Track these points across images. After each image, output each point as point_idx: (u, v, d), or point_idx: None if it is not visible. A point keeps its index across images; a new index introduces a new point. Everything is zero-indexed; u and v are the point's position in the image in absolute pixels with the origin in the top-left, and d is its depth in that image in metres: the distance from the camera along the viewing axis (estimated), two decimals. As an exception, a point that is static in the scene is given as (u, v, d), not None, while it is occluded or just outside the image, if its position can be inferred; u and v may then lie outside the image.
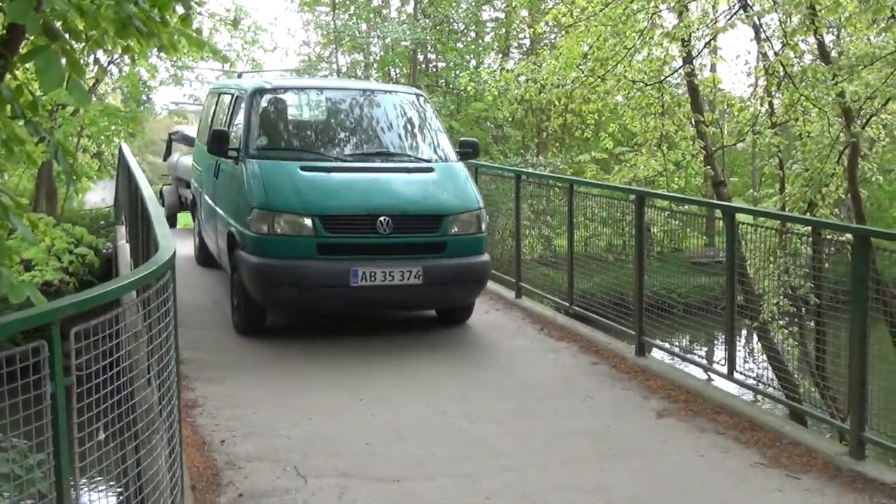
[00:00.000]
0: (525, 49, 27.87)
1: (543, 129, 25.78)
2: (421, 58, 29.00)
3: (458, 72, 26.21)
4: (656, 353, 7.57)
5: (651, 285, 7.49)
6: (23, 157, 4.49)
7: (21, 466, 3.03)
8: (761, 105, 13.22)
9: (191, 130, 15.82)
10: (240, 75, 25.70)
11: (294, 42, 41.09)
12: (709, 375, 7.46)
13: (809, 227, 8.29)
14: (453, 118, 24.64)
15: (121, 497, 3.31)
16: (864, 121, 11.21)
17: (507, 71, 16.99)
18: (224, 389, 6.33)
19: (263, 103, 8.27)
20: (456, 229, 7.57)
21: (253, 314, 7.62)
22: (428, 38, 26.10)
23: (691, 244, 8.27)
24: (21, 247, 10.71)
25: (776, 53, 12.44)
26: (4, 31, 4.27)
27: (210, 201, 9.03)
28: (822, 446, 5.41)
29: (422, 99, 9.08)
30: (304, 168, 7.57)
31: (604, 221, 9.04)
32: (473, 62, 28.10)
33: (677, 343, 7.99)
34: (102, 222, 17.76)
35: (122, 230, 13.22)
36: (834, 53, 12.69)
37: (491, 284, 9.03)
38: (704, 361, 7.59)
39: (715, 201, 11.20)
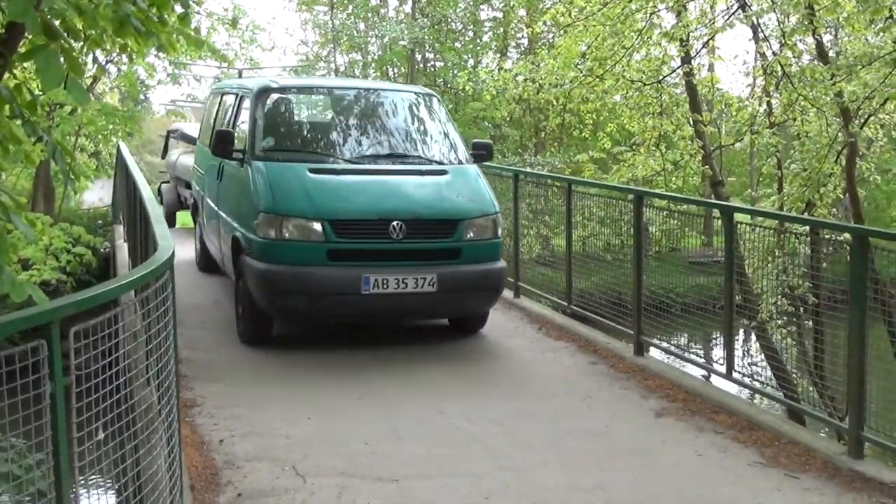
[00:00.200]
0: (523, 49, 27.89)
1: (541, 129, 25.81)
2: (419, 57, 29.02)
3: (455, 71, 26.25)
4: (655, 353, 7.58)
5: (649, 285, 7.49)
6: (20, 156, 4.48)
7: (20, 466, 3.02)
8: (759, 105, 13.23)
9: (190, 128, 15.77)
10: (240, 73, 25.72)
11: (292, 41, 41.05)
12: (707, 375, 7.47)
13: (808, 227, 8.30)
14: (451, 118, 24.68)
15: (120, 496, 3.31)
16: (863, 121, 11.22)
17: (506, 70, 16.97)
18: (223, 389, 6.33)
19: (269, 103, 8.00)
20: (471, 234, 7.26)
21: (259, 323, 7.31)
22: (426, 37, 26.10)
23: (689, 244, 8.27)
24: (19, 246, 10.70)
25: (774, 53, 12.45)
26: (3, 31, 4.26)
27: (213, 205, 8.75)
28: (821, 446, 5.42)
29: (433, 99, 8.76)
30: (312, 170, 7.27)
31: (602, 221, 9.04)
32: (471, 62, 28.12)
33: (676, 343, 7.99)
34: (100, 222, 17.76)
35: (119, 229, 13.20)
36: (831, 53, 12.70)
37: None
38: (703, 361, 7.58)
39: (714, 201, 11.21)
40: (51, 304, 2.91)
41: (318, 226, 6.88)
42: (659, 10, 12.82)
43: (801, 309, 10.08)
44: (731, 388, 6.82)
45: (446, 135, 8.30)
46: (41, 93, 11.08)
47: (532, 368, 7.09)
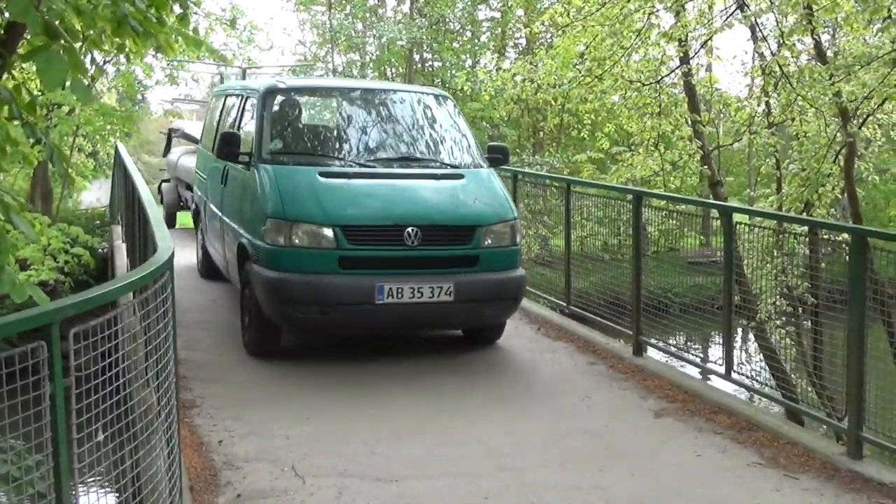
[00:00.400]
0: (521, 48, 27.90)
1: (539, 129, 25.83)
2: (417, 57, 29.02)
3: (453, 71, 26.25)
4: (654, 353, 7.58)
5: (647, 285, 7.50)
6: (18, 157, 4.48)
7: (19, 468, 3.02)
8: (758, 105, 13.24)
9: (192, 127, 15.70)
10: (244, 73, 25.68)
11: (290, 41, 41.02)
12: (705, 375, 7.48)
13: (806, 227, 8.31)
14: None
15: (119, 498, 3.31)
16: (861, 121, 11.23)
17: (504, 71, 16.98)
18: (222, 389, 6.32)
19: (277, 104, 7.71)
20: (489, 241, 6.97)
21: (266, 333, 7.01)
22: (424, 37, 26.11)
23: (687, 244, 8.27)
24: (19, 246, 10.68)
25: (773, 53, 12.46)
26: (2, 31, 4.26)
27: (217, 210, 8.44)
28: (820, 446, 5.42)
29: (447, 100, 8.45)
30: (322, 174, 6.97)
31: (600, 221, 9.05)
32: (469, 62, 28.13)
33: (675, 343, 7.99)
34: (98, 222, 17.74)
35: (118, 230, 13.18)
36: (829, 53, 12.71)
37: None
38: (702, 361, 7.59)
39: (713, 201, 11.22)
40: (51, 306, 2.91)
41: (329, 232, 6.59)
42: (657, 11, 12.82)
43: (800, 309, 10.09)
44: (730, 388, 6.82)
45: (461, 137, 8.02)
46: (40, 93, 11.06)
47: (531, 369, 7.09)
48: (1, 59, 4.01)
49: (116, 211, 14.25)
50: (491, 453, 5.25)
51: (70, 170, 17.99)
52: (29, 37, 4.34)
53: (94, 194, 24.81)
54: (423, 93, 8.63)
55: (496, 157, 7.87)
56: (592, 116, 16.88)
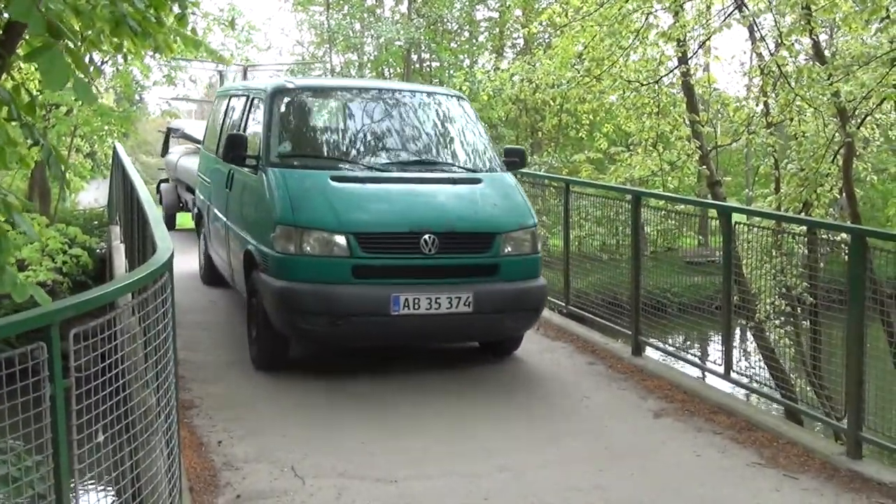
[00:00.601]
0: (519, 49, 27.91)
1: (538, 129, 25.83)
2: (415, 57, 29.02)
3: (452, 71, 26.22)
4: (653, 353, 7.58)
5: (646, 285, 7.50)
6: (15, 158, 4.47)
7: (19, 469, 3.02)
8: (757, 105, 13.25)
9: (192, 127, 15.55)
10: (245, 72, 25.60)
11: (288, 41, 40.99)
12: (704, 375, 7.48)
13: (805, 227, 8.32)
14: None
15: (119, 498, 3.30)
16: (859, 121, 11.25)
17: (502, 71, 16.98)
18: (221, 390, 6.32)
19: (285, 105, 7.37)
20: (509, 249, 6.65)
21: (274, 346, 6.69)
22: (422, 37, 26.10)
23: (685, 243, 8.28)
24: (19, 245, 10.67)
25: (771, 53, 12.46)
26: (1, 31, 4.25)
27: (221, 215, 8.13)
28: (820, 446, 5.43)
29: (462, 101, 8.14)
30: (334, 178, 6.65)
31: (598, 221, 9.05)
32: (467, 62, 28.13)
33: (673, 343, 8.00)
34: (96, 222, 17.71)
35: (116, 230, 13.17)
36: (827, 53, 12.72)
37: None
38: (701, 361, 7.59)
39: (712, 201, 11.22)
40: (51, 307, 2.90)
41: (341, 239, 6.27)
42: (656, 11, 12.83)
43: (799, 309, 10.10)
44: (729, 388, 6.83)
45: (478, 140, 7.73)
46: (39, 93, 11.04)
47: (530, 369, 7.08)
48: (0, 60, 4.00)
49: (114, 211, 14.23)
50: (490, 453, 5.24)
51: (68, 171, 18.01)
52: (28, 37, 4.33)
53: (92, 194, 24.80)
54: (437, 93, 8.32)
55: (513, 161, 7.58)
56: (591, 116, 16.87)
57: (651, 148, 13.99)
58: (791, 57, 11.82)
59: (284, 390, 6.33)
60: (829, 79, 10.42)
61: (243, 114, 8.05)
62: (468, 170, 7.28)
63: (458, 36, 29.30)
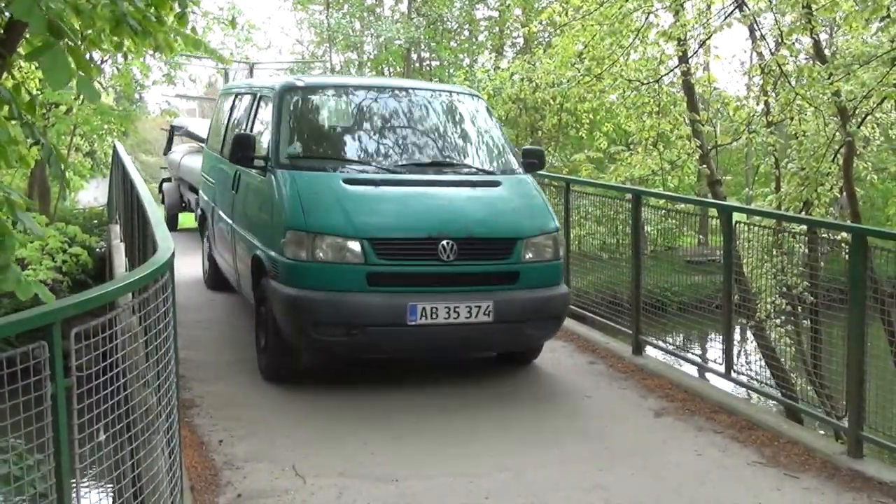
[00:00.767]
0: (519, 48, 27.91)
1: (538, 128, 25.81)
2: (415, 56, 29.03)
3: (452, 71, 26.22)
4: (653, 352, 7.58)
5: (646, 284, 7.50)
6: (16, 157, 4.48)
7: (20, 468, 3.02)
8: (757, 104, 13.25)
9: (196, 125, 15.37)
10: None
11: (288, 40, 41.12)
12: (704, 374, 7.48)
13: (805, 226, 8.32)
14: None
15: (120, 498, 3.30)
16: (860, 120, 11.25)
17: (502, 70, 16.98)
18: (222, 389, 6.32)
19: (295, 104, 7.08)
20: (530, 255, 6.37)
21: (285, 356, 6.41)
22: (422, 36, 26.10)
23: (685, 243, 8.28)
24: (23, 243, 10.66)
25: (772, 52, 12.47)
26: (2, 31, 4.25)
27: (227, 218, 7.85)
28: (820, 445, 5.43)
29: (479, 100, 7.86)
30: (347, 181, 6.38)
31: (598, 220, 9.05)
32: (467, 61, 28.12)
33: (674, 342, 8.00)
34: (95, 221, 17.70)
35: (116, 229, 13.16)
36: (827, 52, 12.73)
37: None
38: (701, 360, 7.59)
39: (713, 200, 11.22)
40: (52, 306, 2.90)
41: (356, 245, 5.98)
42: (656, 10, 12.83)
43: (799, 308, 10.10)
44: (730, 387, 6.83)
45: (496, 140, 7.43)
46: (39, 93, 11.03)
47: (530, 368, 7.08)
48: (1, 59, 4.00)
49: (114, 210, 14.22)
50: (491, 453, 5.24)
51: (68, 170, 18.00)
52: (28, 36, 4.33)
53: (92, 193, 24.78)
54: (453, 91, 8.03)
55: (532, 162, 7.26)
56: (591, 116, 16.88)
57: (651, 147, 14.00)
58: (791, 56, 11.83)
59: (285, 390, 6.33)
60: (829, 78, 10.42)
61: (250, 113, 7.81)
62: (486, 172, 7.02)
63: (458, 35, 29.29)
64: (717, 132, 15.73)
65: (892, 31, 9.91)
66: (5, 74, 4.34)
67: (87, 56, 5.60)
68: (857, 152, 11.90)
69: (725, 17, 12.25)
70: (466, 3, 27.49)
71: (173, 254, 4.01)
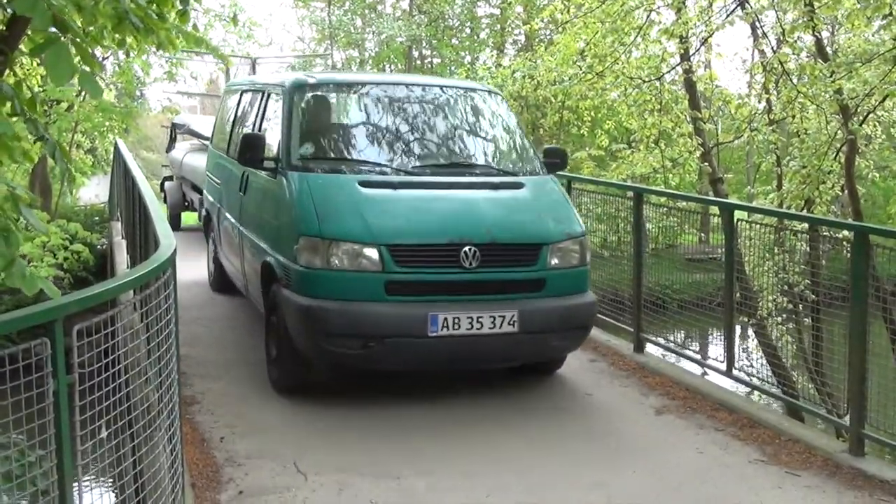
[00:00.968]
0: (520, 45, 27.91)
1: (539, 126, 25.81)
2: (416, 54, 29.02)
3: (453, 68, 26.22)
4: (654, 350, 7.58)
5: (647, 282, 7.49)
6: (18, 153, 4.48)
7: (21, 465, 3.02)
8: (759, 102, 13.25)
9: (198, 122, 15.16)
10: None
11: (289, 37, 41.02)
12: (705, 371, 7.48)
13: (807, 224, 8.31)
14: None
15: (122, 495, 3.30)
16: (862, 118, 11.24)
17: (504, 68, 16.97)
18: (223, 386, 6.32)
19: (306, 102, 6.75)
20: (556, 261, 6.04)
21: (297, 368, 6.10)
22: (423, 34, 26.09)
23: (686, 240, 8.27)
24: (31, 238, 10.64)
25: (774, 50, 12.46)
26: (4, 28, 4.25)
27: (234, 220, 7.53)
28: (822, 443, 5.43)
29: (499, 97, 7.53)
30: (363, 183, 6.05)
31: (599, 218, 9.03)
32: (469, 58, 28.13)
33: (675, 340, 7.99)
34: (97, 218, 17.71)
35: (117, 226, 13.16)
36: (829, 50, 12.73)
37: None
38: (703, 358, 7.58)
39: (714, 198, 11.22)
40: (54, 302, 2.90)
41: (373, 252, 5.66)
42: (658, 8, 12.83)
43: (800, 306, 10.11)
44: (731, 385, 6.83)
45: (516, 139, 7.12)
46: (42, 90, 11.02)
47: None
48: (3, 56, 4.00)
49: (116, 207, 14.21)
50: (492, 450, 5.25)
51: (73, 164, 17.99)
52: (30, 33, 4.33)
53: (93, 190, 24.79)
54: (471, 88, 7.72)
55: (554, 162, 6.92)
56: (592, 113, 16.88)
57: (653, 145, 13.99)
58: (793, 54, 11.82)
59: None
60: (831, 76, 10.41)
61: (257, 111, 7.49)
62: (508, 173, 6.69)
63: (460, 32, 29.29)
64: (718, 130, 15.73)
65: (894, 30, 9.91)
66: (7, 71, 4.34)
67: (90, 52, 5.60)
68: (859, 150, 11.90)
69: (727, 15, 12.25)
70: (468, 0, 27.49)
71: (175, 251, 4.01)
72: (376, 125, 6.87)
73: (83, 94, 17.57)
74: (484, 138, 7.14)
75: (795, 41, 11.67)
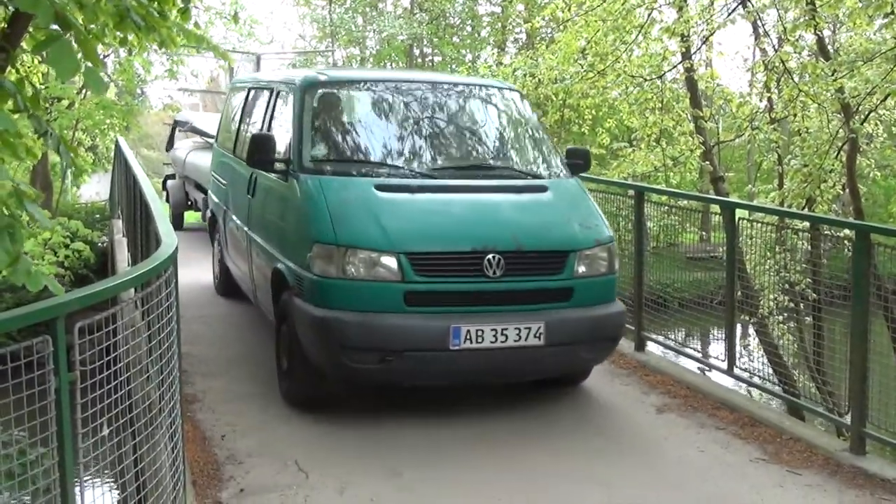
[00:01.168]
0: (521, 44, 27.92)
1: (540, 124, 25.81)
2: (417, 52, 29.02)
3: (454, 66, 26.22)
4: (655, 349, 7.58)
5: (648, 281, 7.49)
6: (21, 150, 4.48)
7: (22, 464, 3.02)
8: (760, 101, 13.25)
9: (201, 120, 14.98)
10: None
11: (290, 35, 41.06)
12: (705, 370, 7.48)
13: (808, 223, 8.32)
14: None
15: (123, 493, 3.31)
16: (863, 117, 11.24)
17: (505, 66, 16.97)
18: (224, 384, 6.32)
19: (319, 101, 6.42)
20: (583, 269, 5.71)
21: (310, 380, 5.75)
22: (424, 32, 26.10)
23: (687, 239, 8.27)
24: (34, 233, 10.63)
25: (775, 49, 12.46)
26: (5, 25, 4.25)
27: (241, 224, 7.22)
28: (823, 442, 5.43)
29: (518, 95, 7.20)
30: (379, 187, 5.73)
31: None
32: (469, 57, 28.13)
33: (676, 338, 7.99)
34: (98, 216, 17.73)
35: (118, 224, 13.15)
36: (830, 49, 12.73)
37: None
38: (704, 356, 7.58)
39: (716, 197, 11.22)
40: (56, 300, 2.90)
41: (391, 261, 5.34)
42: (660, 6, 12.83)
43: (801, 305, 10.11)
44: (732, 383, 6.83)
45: (538, 140, 6.78)
46: (44, 87, 11.01)
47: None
48: (4, 53, 4.00)
49: (116, 205, 14.20)
50: (493, 448, 5.25)
51: (78, 158, 17.99)
52: (32, 30, 4.33)
53: (94, 188, 24.81)
54: (491, 86, 7.39)
55: (577, 163, 6.58)
56: (593, 112, 16.88)
57: (654, 143, 13.99)
58: (795, 52, 11.82)
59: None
60: (832, 74, 10.41)
61: (266, 109, 7.16)
62: (531, 175, 6.38)
63: (461, 31, 29.30)
64: (719, 129, 15.73)
65: (895, 28, 9.89)
66: (9, 68, 4.35)
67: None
68: (861, 149, 11.90)
69: (729, 14, 12.25)
70: (469, -2, 27.53)
71: (176, 249, 4.01)
72: (392, 125, 6.52)
73: (84, 91, 17.61)
74: (505, 138, 6.86)
75: (797, 40, 11.66)
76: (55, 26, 3.42)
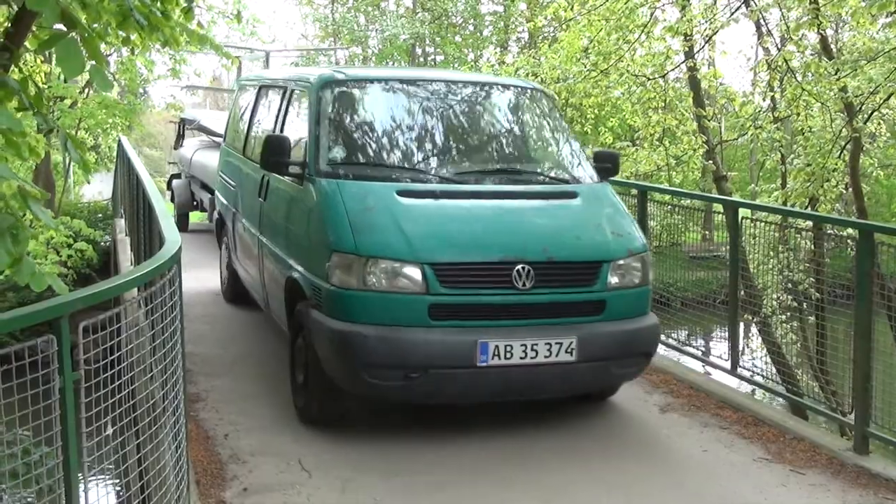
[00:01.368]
0: (524, 43, 27.92)
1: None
2: (419, 51, 29.03)
3: (456, 65, 26.22)
4: (659, 348, 7.55)
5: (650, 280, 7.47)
6: (25, 149, 4.48)
7: (25, 463, 3.03)
8: (763, 100, 13.24)
9: (209, 118, 14.52)
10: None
11: (293, 35, 41.08)
12: (707, 370, 7.48)
13: (811, 222, 8.31)
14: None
15: (127, 491, 3.32)
16: (867, 116, 11.24)
17: (507, 65, 16.97)
18: (227, 384, 6.32)
19: (336, 100, 6.07)
20: (616, 280, 5.38)
21: (328, 398, 5.41)
22: (426, 31, 26.10)
23: (690, 239, 8.27)
24: (36, 234, 10.64)
25: (778, 48, 12.46)
26: (9, 24, 4.26)
27: (252, 228, 6.90)
28: (826, 441, 5.43)
29: (544, 96, 6.86)
30: (402, 192, 5.39)
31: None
32: (472, 56, 28.14)
33: (679, 338, 7.98)
34: (100, 215, 17.74)
35: (121, 223, 13.16)
36: (833, 48, 12.72)
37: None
38: (707, 356, 7.58)
39: (718, 196, 11.21)
40: (60, 300, 2.90)
41: (415, 272, 5.02)
42: (663, 5, 12.83)
43: (804, 304, 10.10)
44: (735, 383, 6.83)
45: (566, 143, 6.47)
46: (48, 87, 11.01)
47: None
48: (8, 52, 4.01)
49: (119, 205, 14.21)
50: (494, 448, 5.24)
51: (87, 154, 18.02)
52: (36, 29, 4.34)
53: (96, 187, 24.83)
54: (516, 86, 6.98)
55: (605, 167, 6.23)
56: (596, 111, 16.88)
57: (657, 142, 13.99)
58: (798, 52, 11.82)
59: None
60: (836, 74, 10.41)
61: (279, 109, 6.80)
62: (560, 180, 6.05)
63: (463, 30, 29.31)
64: (722, 128, 15.73)
65: (899, 27, 9.89)
66: (12, 68, 4.35)
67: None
68: (864, 148, 11.89)
69: (732, 13, 12.24)
70: (471, -3, 27.54)
71: (180, 248, 4.02)
72: (414, 127, 6.14)
73: (87, 90, 17.62)
74: (531, 141, 6.58)
75: (800, 39, 11.66)
76: (60, 25, 3.42)
